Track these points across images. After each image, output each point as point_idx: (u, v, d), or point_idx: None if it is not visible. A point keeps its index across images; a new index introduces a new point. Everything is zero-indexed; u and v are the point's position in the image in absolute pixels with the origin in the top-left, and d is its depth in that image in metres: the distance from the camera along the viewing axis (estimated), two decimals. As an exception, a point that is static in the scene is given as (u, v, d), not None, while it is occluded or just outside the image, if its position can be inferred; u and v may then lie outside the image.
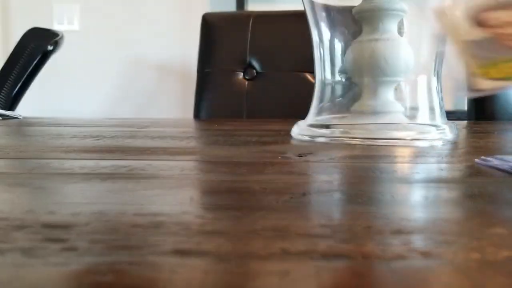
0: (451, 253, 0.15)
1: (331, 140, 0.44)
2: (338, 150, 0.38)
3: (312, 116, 0.49)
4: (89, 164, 0.30)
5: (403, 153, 0.38)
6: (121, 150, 0.37)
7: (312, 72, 0.51)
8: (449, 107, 1.87)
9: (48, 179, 0.25)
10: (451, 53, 0.31)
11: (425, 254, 0.15)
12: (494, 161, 0.30)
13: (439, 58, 0.48)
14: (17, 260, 0.14)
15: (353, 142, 0.42)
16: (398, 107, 0.47)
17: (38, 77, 1.24)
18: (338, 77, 0.49)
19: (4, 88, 1.18)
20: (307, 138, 0.46)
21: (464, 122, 0.86)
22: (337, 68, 0.49)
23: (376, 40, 0.45)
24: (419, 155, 0.36)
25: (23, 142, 0.44)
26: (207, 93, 1.18)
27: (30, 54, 1.21)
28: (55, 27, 1.75)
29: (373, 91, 0.47)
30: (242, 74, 1.18)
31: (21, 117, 0.75)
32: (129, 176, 0.26)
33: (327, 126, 0.46)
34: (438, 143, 0.42)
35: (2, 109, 1.04)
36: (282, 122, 0.64)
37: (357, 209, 0.20)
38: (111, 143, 0.41)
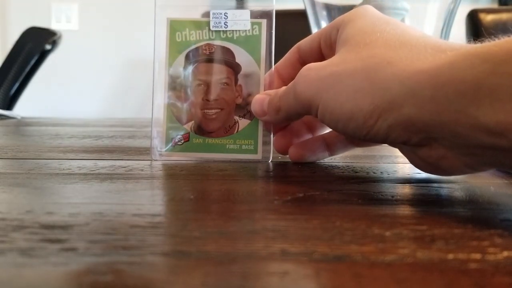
0: (452, 253, 0.15)
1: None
2: (338, 150, 0.38)
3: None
4: (88, 164, 0.30)
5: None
6: (120, 150, 0.37)
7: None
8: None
9: (47, 179, 0.25)
10: None
11: (426, 254, 0.15)
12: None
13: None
14: (16, 260, 0.14)
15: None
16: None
17: (36, 77, 1.24)
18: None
19: (2, 88, 1.18)
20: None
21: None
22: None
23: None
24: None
25: (22, 142, 0.44)
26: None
27: (28, 53, 1.20)
28: (53, 26, 1.74)
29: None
30: (241, 73, 1.17)
31: (19, 117, 0.75)
32: (128, 176, 0.26)
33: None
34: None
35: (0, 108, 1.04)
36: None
37: (357, 209, 0.20)
38: (110, 143, 0.41)
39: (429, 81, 0.20)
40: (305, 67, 0.26)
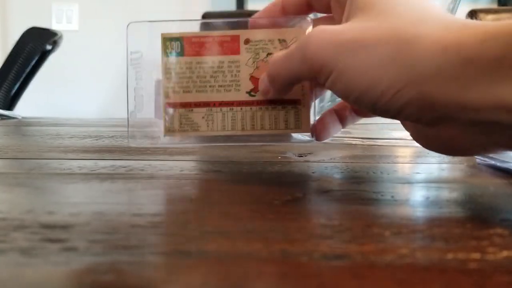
0: (452, 253, 0.15)
1: (331, 140, 0.44)
2: (338, 150, 0.38)
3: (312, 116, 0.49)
4: (88, 164, 0.30)
5: (404, 153, 0.38)
6: (121, 150, 0.37)
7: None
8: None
9: (47, 179, 0.25)
10: None
11: (425, 254, 0.15)
12: (494, 160, 0.30)
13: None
14: (17, 260, 0.14)
15: (354, 142, 0.42)
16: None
17: (37, 77, 1.24)
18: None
19: (2, 88, 1.18)
20: (307, 138, 0.46)
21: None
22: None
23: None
24: (420, 155, 0.36)
25: (22, 142, 0.44)
26: (206, 93, 1.18)
27: (28, 53, 1.20)
28: (54, 26, 1.74)
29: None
30: (241, 74, 1.18)
31: (20, 117, 0.75)
32: (129, 176, 0.26)
33: (326, 126, 0.46)
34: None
35: (0, 109, 1.04)
36: (282, 122, 0.63)
37: (357, 209, 0.20)
38: (110, 143, 0.41)
39: (457, 58, 0.19)
40: (318, 28, 0.24)
